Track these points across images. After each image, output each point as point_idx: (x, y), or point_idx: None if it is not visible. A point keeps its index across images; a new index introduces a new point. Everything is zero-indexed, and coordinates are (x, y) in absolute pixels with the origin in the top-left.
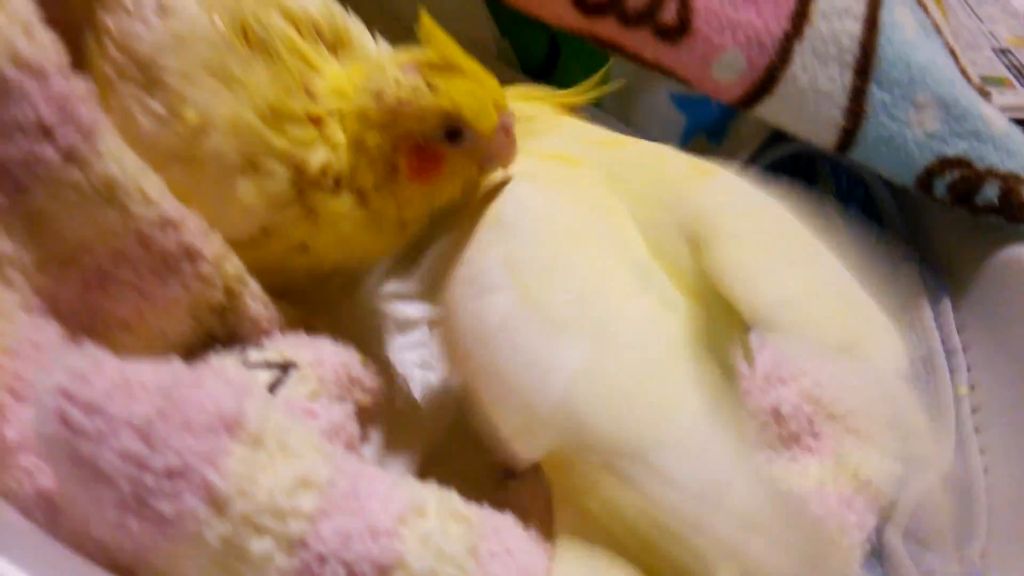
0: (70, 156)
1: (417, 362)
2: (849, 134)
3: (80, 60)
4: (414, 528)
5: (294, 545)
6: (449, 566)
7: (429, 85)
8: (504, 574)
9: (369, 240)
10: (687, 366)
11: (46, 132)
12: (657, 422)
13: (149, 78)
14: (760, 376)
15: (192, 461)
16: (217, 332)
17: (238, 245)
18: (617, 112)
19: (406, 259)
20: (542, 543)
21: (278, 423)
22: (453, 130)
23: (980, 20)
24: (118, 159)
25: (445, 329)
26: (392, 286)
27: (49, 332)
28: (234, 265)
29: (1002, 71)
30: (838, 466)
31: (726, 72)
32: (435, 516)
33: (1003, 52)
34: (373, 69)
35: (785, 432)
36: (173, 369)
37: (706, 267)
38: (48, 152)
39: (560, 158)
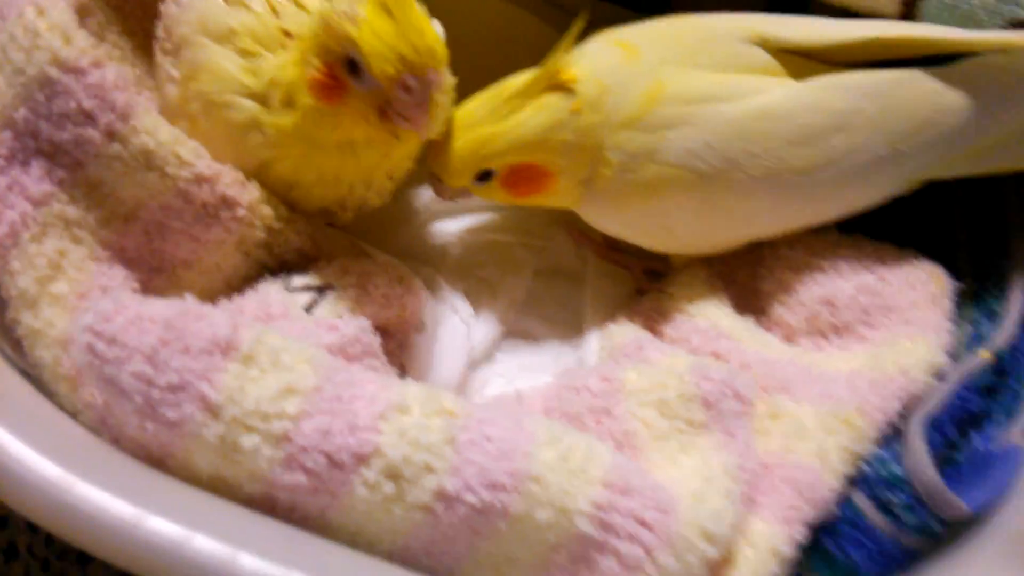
0: (111, 135)
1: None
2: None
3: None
4: (394, 423)
5: (279, 440)
6: (424, 453)
7: (355, 16)
8: (481, 457)
9: (332, 163)
10: None
11: (89, 117)
12: None
13: (174, 46)
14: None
15: (189, 378)
16: (268, 263)
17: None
18: None
19: None
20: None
21: (273, 344)
22: (353, 60)
23: None
24: (152, 132)
25: None
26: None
27: (115, 276)
28: (274, 207)
29: None
30: (880, 354)
31: None
32: (419, 413)
33: None
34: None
35: (838, 321)
36: (181, 305)
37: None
38: (93, 134)
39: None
